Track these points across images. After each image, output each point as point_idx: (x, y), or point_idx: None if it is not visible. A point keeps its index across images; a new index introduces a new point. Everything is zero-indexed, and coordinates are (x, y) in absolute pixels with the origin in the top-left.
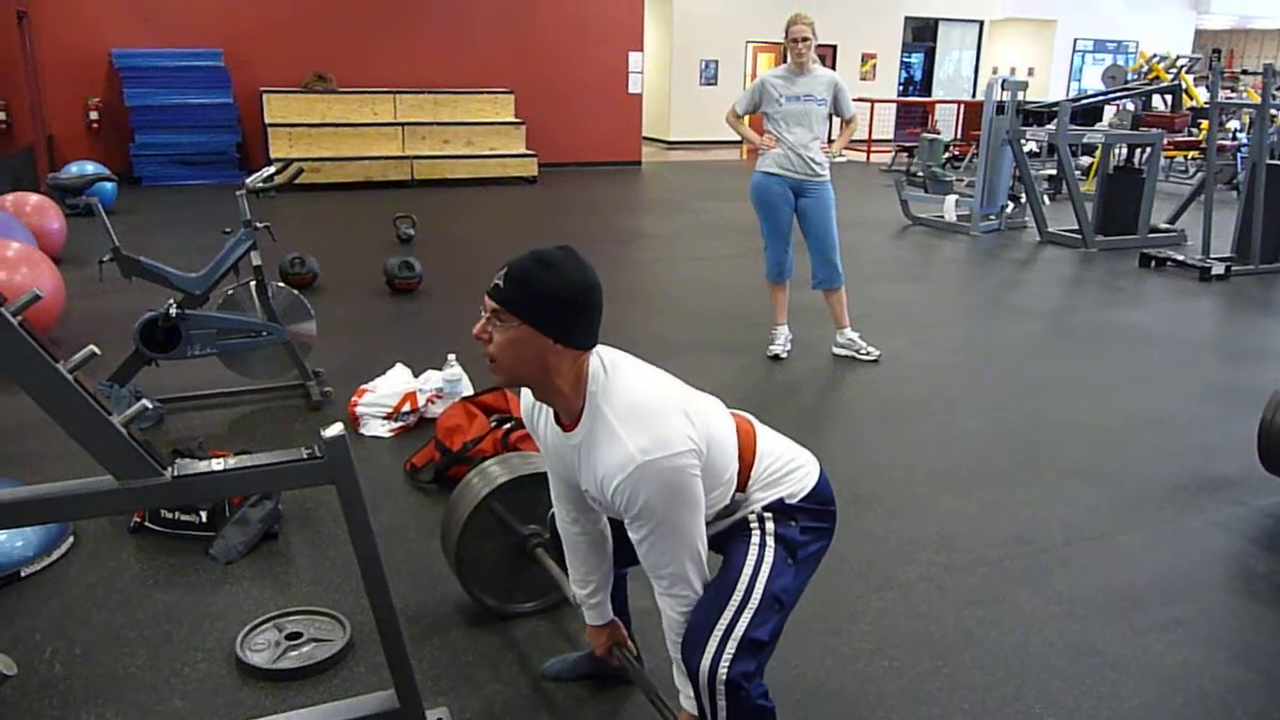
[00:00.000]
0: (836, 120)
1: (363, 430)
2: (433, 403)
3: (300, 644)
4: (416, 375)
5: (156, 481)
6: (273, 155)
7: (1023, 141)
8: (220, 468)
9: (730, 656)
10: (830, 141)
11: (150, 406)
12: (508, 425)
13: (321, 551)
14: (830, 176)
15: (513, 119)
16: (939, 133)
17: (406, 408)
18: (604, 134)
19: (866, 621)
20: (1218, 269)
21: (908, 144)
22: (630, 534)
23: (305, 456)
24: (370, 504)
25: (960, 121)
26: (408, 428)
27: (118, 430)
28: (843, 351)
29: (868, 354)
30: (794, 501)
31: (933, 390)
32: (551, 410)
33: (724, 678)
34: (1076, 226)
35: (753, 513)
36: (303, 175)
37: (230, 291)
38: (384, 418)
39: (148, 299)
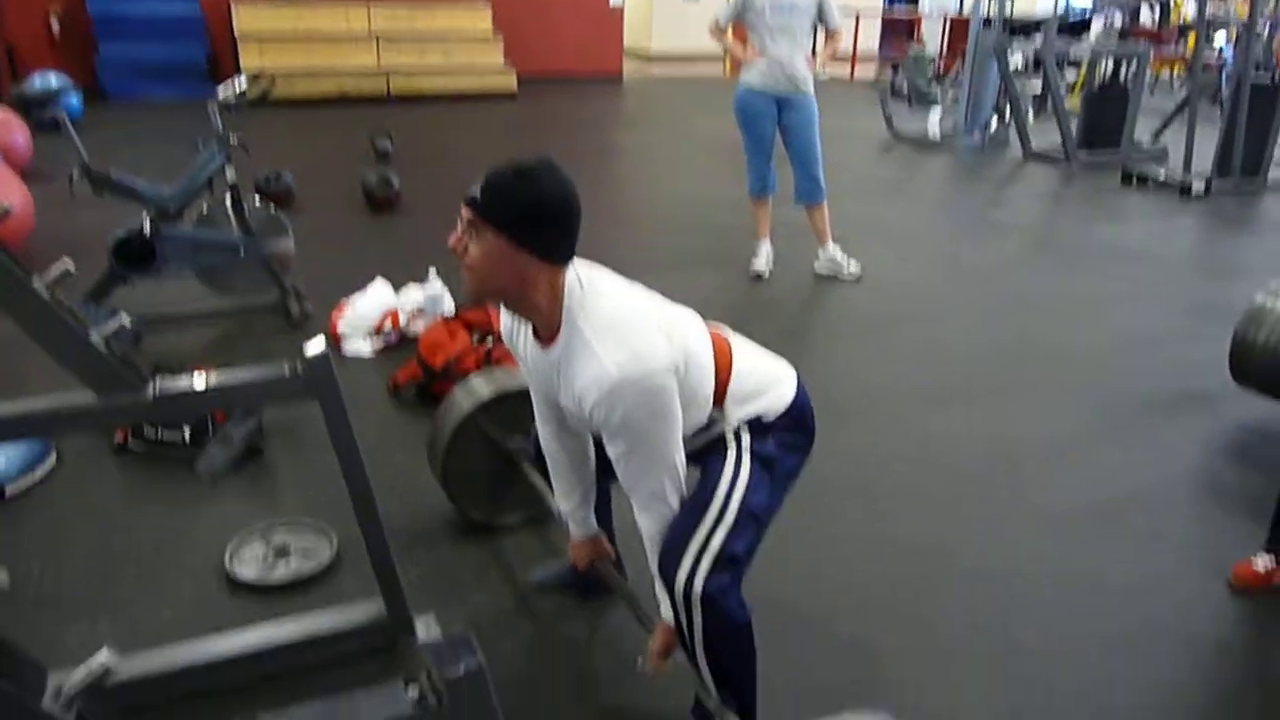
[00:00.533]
0: (821, 33)
1: (344, 348)
2: (415, 320)
3: (287, 557)
4: (397, 291)
5: (137, 397)
6: (243, 66)
7: (1008, 56)
8: (202, 384)
9: (706, 571)
10: (814, 55)
11: (127, 323)
12: (490, 342)
13: (306, 466)
14: (814, 90)
15: (490, 29)
16: (924, 47)
17: (388, 325)
18: (584, 47)
19: (844, 534)
20: (1198, 186)
21: (892, 59)
22: (608, 450)
23: (288, 372)
24: (354, 421)
25: (946, 36)
26: (390, 345)
27: (96, 345)
28: (824, 268)
29: (850, 271)
30: (772, 417)
31: (914, 306)
32: (530, 326)
33: (699, 591)
34: (1060, 142)
35: (729, 428)
36: (276, 87)
37: (205, 208)
38: (366, 335)
39: (120, 216)
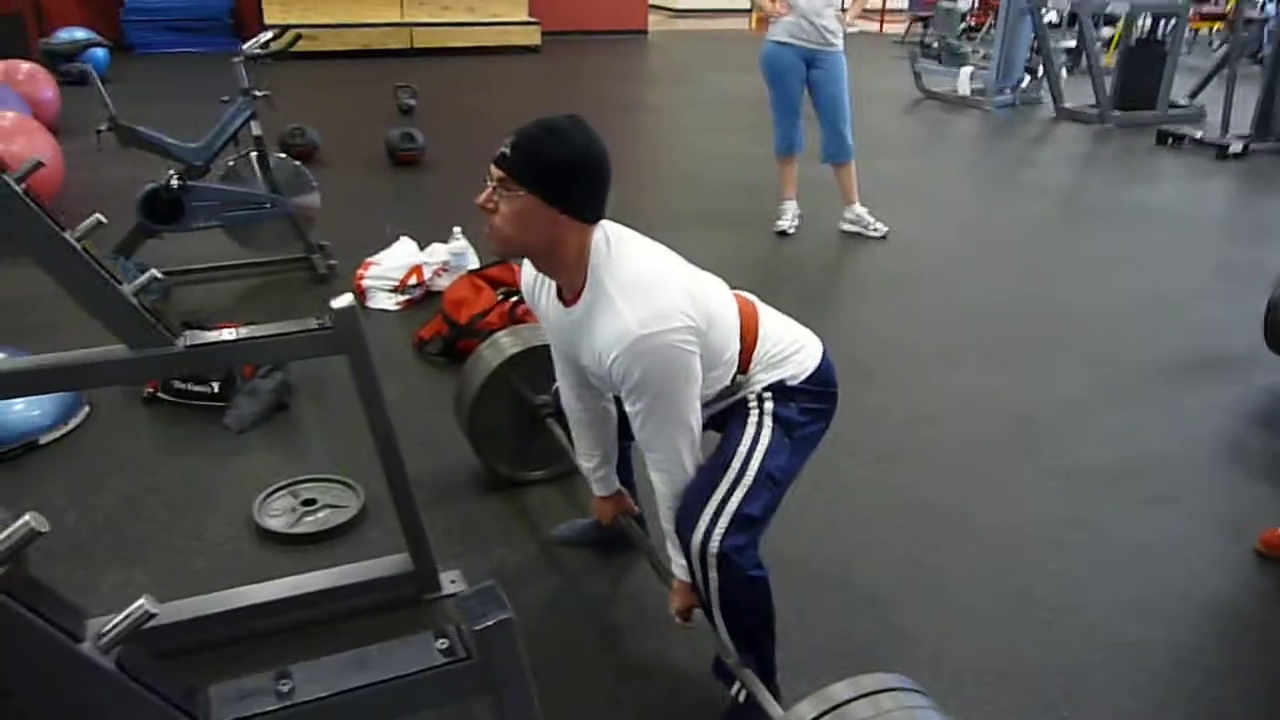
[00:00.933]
0: None
1: (369, 303)
2: (439, 275)
3: (315, 509)
4: (422, 248)
5: (169, 350)
6: (267, 21)
7: (1043, 11)
8: (231, 337)
9: (722, 531)
10: (844, 9)
11: (159, 276)
12: (514, 298)
13: (332, 421)
14: (843, 46)
15: None
16: (955, 1)
17: (413, 280)
18: (609, 1)
19: (864, 494)
20: (1235, 147)
21: (923, 14)
22: (626, 407)
23: (316, 326)
24: (379, 376)
25: None
26: (414, 301)
27: (128, 299)
28: (850, 227)
29: (875, 230)
30: (795, 383)
31: (939, 267)
32: (553, 285)
33: (715, 551)
34: (1094, 101)
35: (752, 393)
36: (300, 42)
37: (231, 162)
38: (390, 291)
39: (147, 170)
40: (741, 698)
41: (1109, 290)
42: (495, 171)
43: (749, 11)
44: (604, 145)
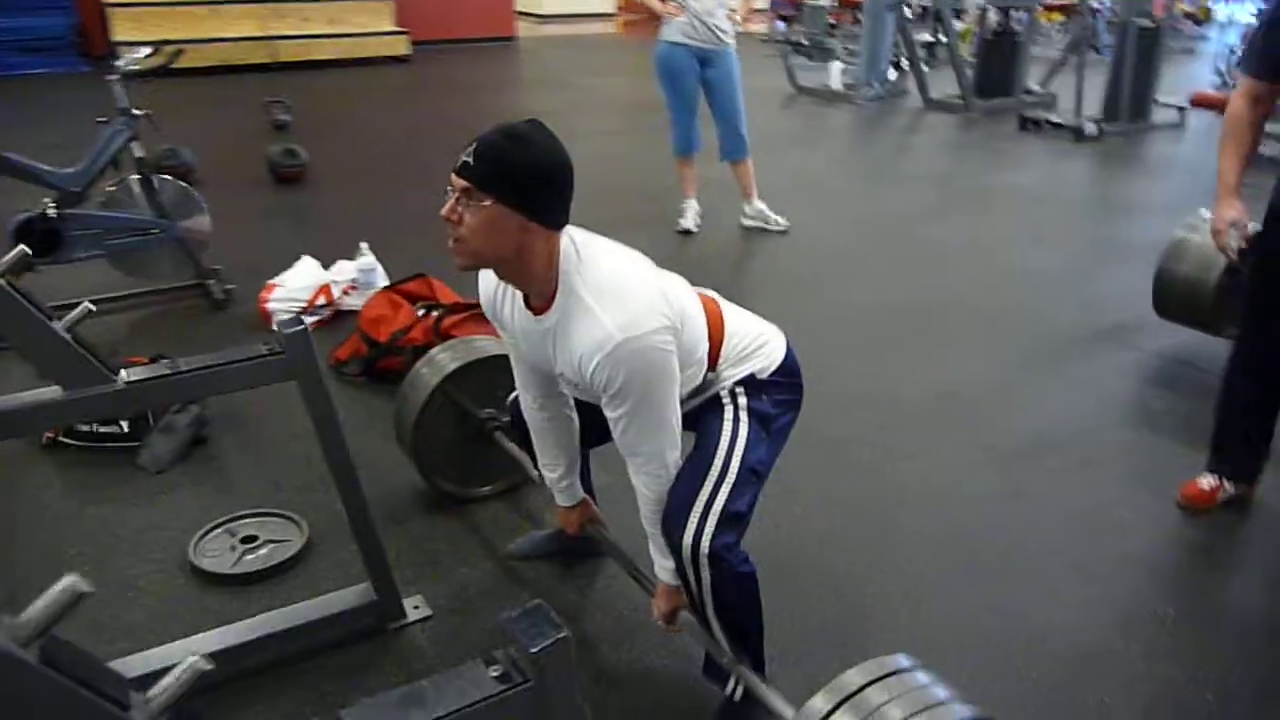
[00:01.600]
0: None
1: (276, 327)
2: (348, 294)
3: (256, 546)
4: (326, 267)
5: (107, 389)
6: (115, 38)
7: (904, 6)
8: (175, 370)
9: (711, 530)
10: (734, 9)
11: (93, 309)
12: (437, 313)
13: (256, 453)
14: (734, 44)
15: None
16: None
17: (321, 301)
18: (476, 8)
19: (811, 480)
20: (1090, 129)
21: (785, 13)
22: (607, 413)
23: (266, 352)
24: (297, 401)
25: None
26: (324, 321)
27: (61, 336)
28: (751, 223)
29: (777, 224)
30: (765, 376)
31: (841, 258)
32: (519, 295)
33: (706, 550)
34: (957, 92)
35: (724, 389)
36: (184, 56)
37: (111, 187)
38: (298, 313)
39: (17, 200)
40: (737, 696)
41: (1002, 270)
42: (458, 182)
43: (614, 15)
44: (565, 149)
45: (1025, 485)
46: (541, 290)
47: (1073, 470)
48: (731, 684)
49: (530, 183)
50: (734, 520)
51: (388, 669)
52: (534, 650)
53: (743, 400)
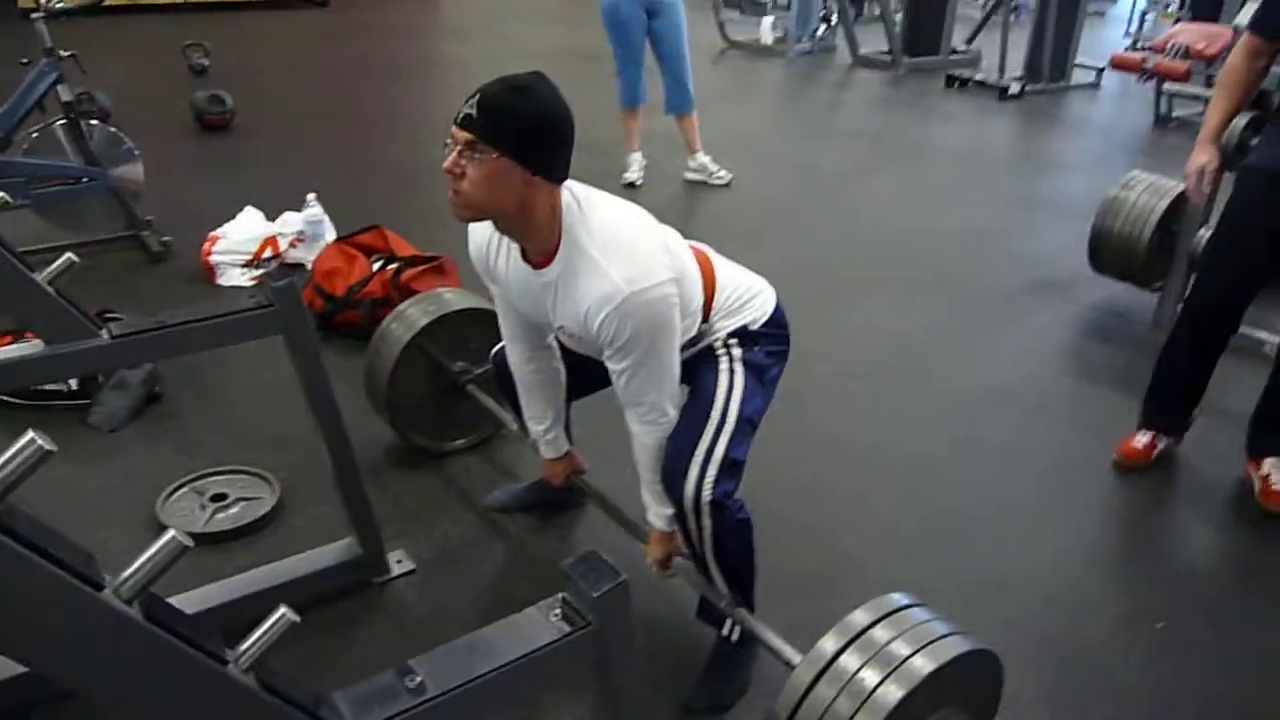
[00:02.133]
0: None
1: (220, 280)
2: (294, 246)
3: (228, 505)
4: (271, 219)
5: (93, 344)
6: None
7: None
8: (160, 324)
9: (712, 479)
10: None
11: (75, 260)
12: (394, 265)
13: (215, 410)
14: None
15: None
16: None
17: (268, 253)
18: None
19: (776, 434)
20: (1014, 89)
21: None
22: (610, 365)
23: (254, 306)
24: (250, 358)
25: None
26: (270, 274)
27: (44, 288)
28: (695, 176)
29: (719, 178)
30: (756, 327)
31: (780, 211)
32: (515, 249)
33: (708, 498)
34: (886, 49)
35: (718, 339)
36: None
37: (35, 134)
38: (243, 266)
39: None
40: (734, 636)
41: (935, 225)
42: (460, 134)
43: None
44: (566, 102)
45: (985, 432)
46: (543, 244)
47: (1027, 417)
48: (729, 626)
49: (534, 135)
50: (734, 468)
51: (379, 622)
52: (596, 595)
53: (737, 352)
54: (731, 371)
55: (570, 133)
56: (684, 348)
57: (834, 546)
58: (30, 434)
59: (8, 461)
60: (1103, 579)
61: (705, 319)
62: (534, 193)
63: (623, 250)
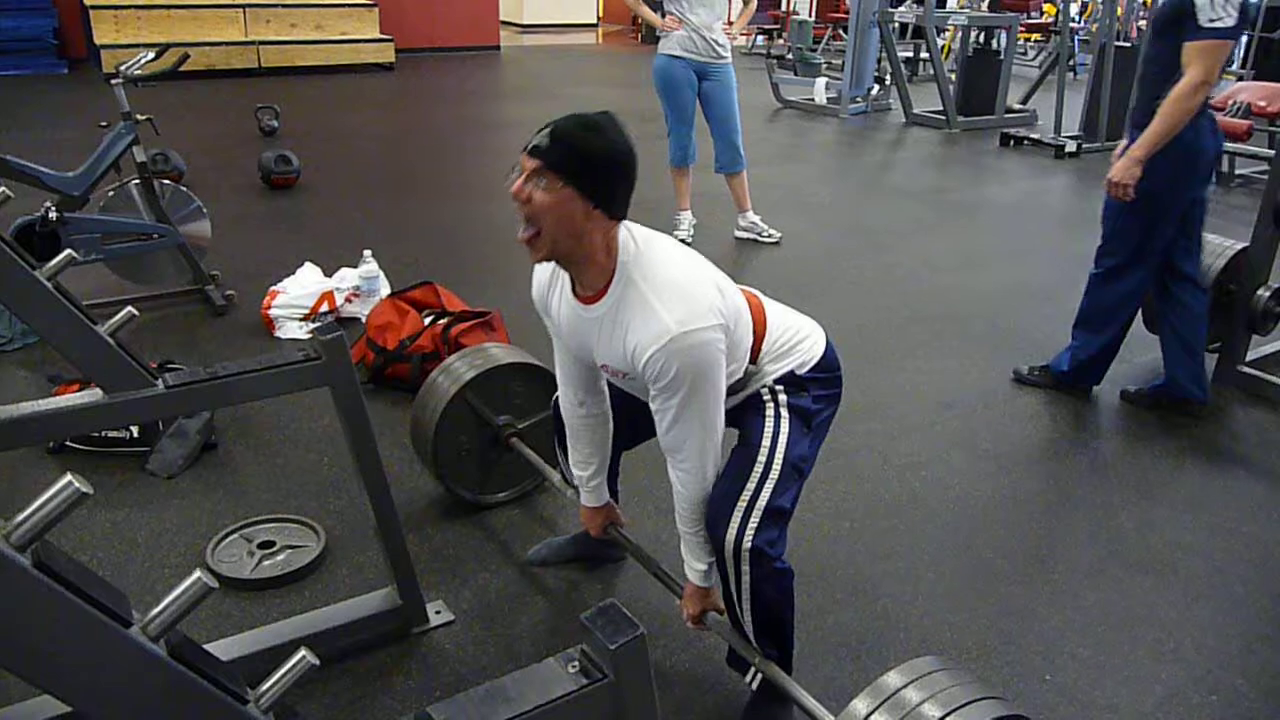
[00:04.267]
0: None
1: (279, 333)
2: (350, 301)
3: (274, 552)
4: (327, 274)
5: (149, 393)
6: (97, 42)
7: (891, 23)
8: (213, 375)
9: (755, 527)
10: (729, 23)
11: (135, 314)
12: (444, 320)
13: (268, 459)
14: (731, 59)
15: (365, 1)
16: (800, 15)
17: (324, 308)
18: (461, 17)
19: (821, 490)
20: (1070, 147)
21: (767, 26)
22: (653, 405)
23: (302, 359)
24: (303, 410)
25: (814, 2)
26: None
27: (105, 339)
28: (745, 234)
29: (769, 236)
30: (804, 372)
31: (833, 270)
32: (568, 285)
33: (749, 546)
34: (939, 107)
35: (765, 386)
36: (189, 60)
37: (111, 192)
38: (301, 320)
39: (19, 203)
40: (755, 685)
41: (992, 283)
42: (529, 162)
43: (595, 25)
44: (633, 143)
45: (1031, 489)
46: (596, 279)
47: (1075, 476)
48: (751, 673)
49: (601, 170)
50: (777, 516)
51: (415, 672)
52: (614, 647)
53: (783, 398)
54: (778, 417)
55: (633, 172)
56: (731, 391)
57: (873, 604)
58: (68, 477)
59: (46, 502)
60: (1154, 642)
61: (754, 361)
62: (593, 227)
63: (676, 292)
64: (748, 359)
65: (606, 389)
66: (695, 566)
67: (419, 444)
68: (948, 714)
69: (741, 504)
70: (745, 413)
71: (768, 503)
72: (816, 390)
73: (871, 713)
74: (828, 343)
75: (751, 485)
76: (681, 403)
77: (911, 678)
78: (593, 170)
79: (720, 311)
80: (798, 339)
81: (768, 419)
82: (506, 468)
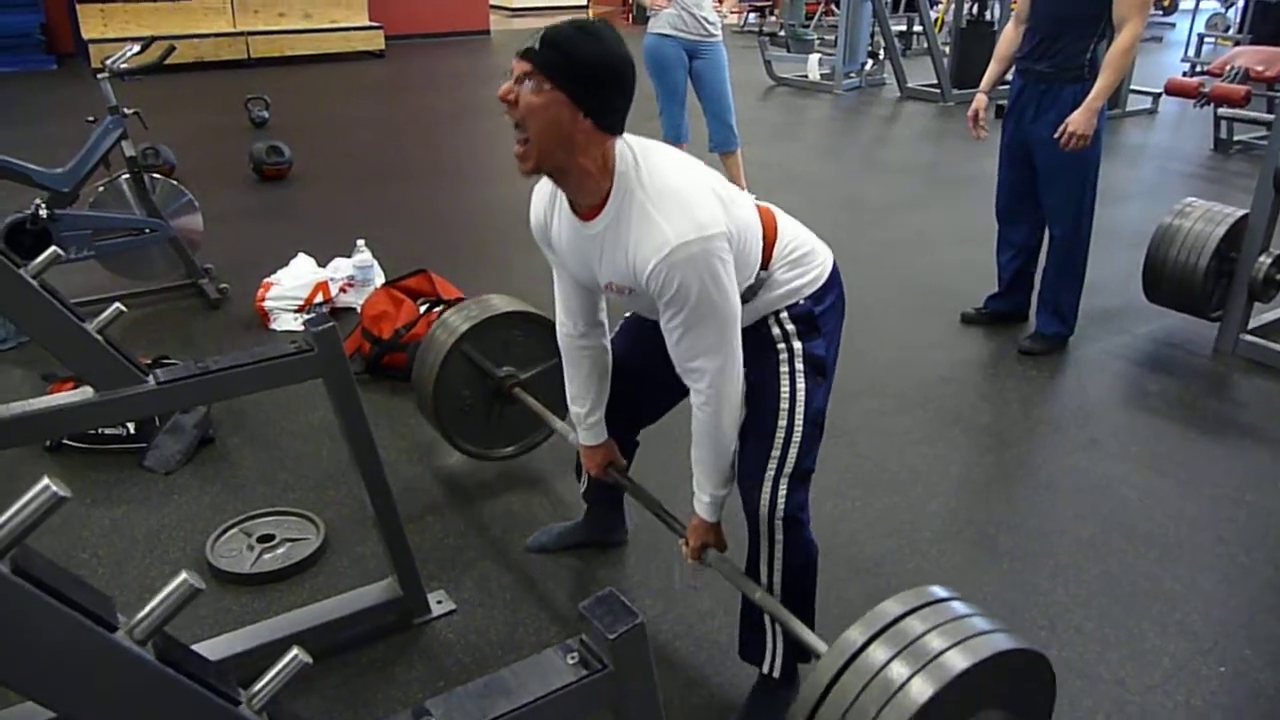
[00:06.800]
0: None
1: (274, 325)
2: (345, 291)
3: (274, 545)
4: (321, 265)
5: (140, 390)
6: (84, 36)
7: None
8: (204, 370)
9: (786, 492)
10: (720, 1)
11: (124, 310)
12: (439, 308)
13: (265, 453)
14: (722, 37)
15: None
16: None
17: (319, 299)
18: (450, 2)
19: (822, 468)
20: None
21: (759, 4)
22: (662, 321)
23: (295, 351)
24: (300, 401)
25: None
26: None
27: (94, 337)
28: None
29: None
30: (817, 306)
31: (835, 249)
32: (566, 204)
33: (782, 514)
34: (934, 81)
35: (776, 323)
36: (175, 52)
37: (101, 187)
38: (295, 311)
39: (8, 201)
40: (775, 671)
41: (985, 258)
42: (519, 65)
43: (585, 8)
44: (630, 54)
45: (1031, 465)
46: (592, 193)
47: (1077, 450)
48: (768, 661)
49: (593, 76)
50: (804, 477)
51: (417, 664)
52: (612, 636)
53: (797, 346)
54: (793, 373)
55: (630, 84)
56: (743, 299)
57: (875, 580)
58: (45, 480)
59: (22, 508)
60: (1159, 615)
61: (765, 266)
62: (585, 139)
63: (676, 202)
64: (758, 265)
65: (605, 320)
66: (704, 498)
67: (421, 401)
68: (953, 644)
69: (770, 471)
70: (757, 364)
71: (795, 465)
72: (827, 325)
73: (868, 642)
74: (834, 262)
75: (778, 450)
76: (690, 315)
77: (913, 605)
78: (583, 75)
79: (722, 219)
80: (808, 249)
81: (783, 378)
82: (511, 421)
